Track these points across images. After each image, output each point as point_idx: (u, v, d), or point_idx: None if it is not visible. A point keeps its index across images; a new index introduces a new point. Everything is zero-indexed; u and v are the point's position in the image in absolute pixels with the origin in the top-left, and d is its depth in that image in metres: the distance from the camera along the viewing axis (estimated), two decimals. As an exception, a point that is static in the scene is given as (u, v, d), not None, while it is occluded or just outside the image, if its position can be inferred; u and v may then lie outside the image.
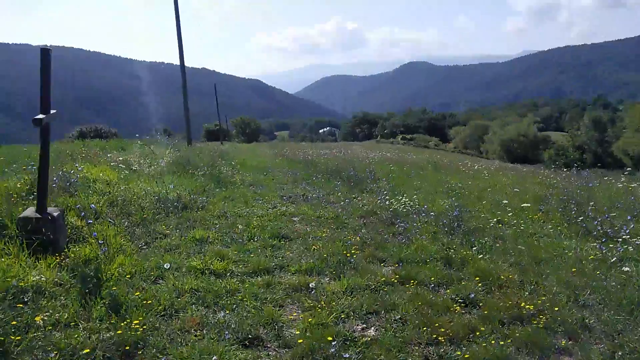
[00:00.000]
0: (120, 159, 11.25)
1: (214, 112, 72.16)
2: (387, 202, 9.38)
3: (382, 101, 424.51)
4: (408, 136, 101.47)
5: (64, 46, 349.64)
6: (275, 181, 13.78)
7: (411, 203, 9.00)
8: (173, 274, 5.47)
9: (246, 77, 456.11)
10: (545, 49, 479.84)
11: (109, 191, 8.54)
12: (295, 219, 8.63)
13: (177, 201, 8.66)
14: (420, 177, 14.45)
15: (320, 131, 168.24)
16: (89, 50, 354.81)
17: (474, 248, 6.33)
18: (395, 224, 7.94)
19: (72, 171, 8.47)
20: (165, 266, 5.46)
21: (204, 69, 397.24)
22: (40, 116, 5.72)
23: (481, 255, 6.05)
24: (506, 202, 9.22)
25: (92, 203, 7.34)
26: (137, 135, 20.77)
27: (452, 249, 6.44)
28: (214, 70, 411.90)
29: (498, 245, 6.53)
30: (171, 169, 11.83)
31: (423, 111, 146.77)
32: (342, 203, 9.99)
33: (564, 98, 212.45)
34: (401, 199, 9.37)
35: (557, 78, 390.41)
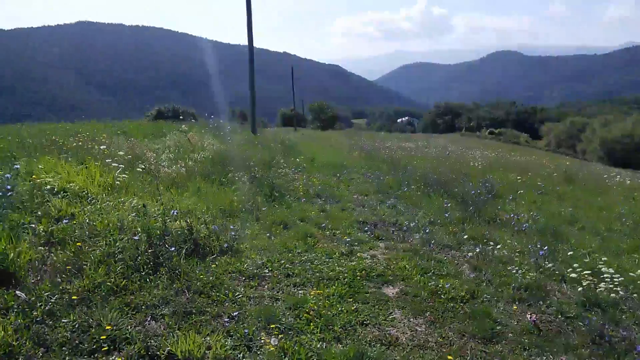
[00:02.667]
0: (121, 153, 7.67)
1: (294, 96, 68.85)
2: (559, 264, 5.10)
3: (465, 91, 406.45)
4: (496, 130, 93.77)
5: (154, 26, 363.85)
6: (351, 190, 9.79)
7: (607, 269, 4.66)
8: None
9: (326, 62, 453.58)
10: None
11: (73, 213, 4.92)
12: (389, 292, 4.57)
13: (184, 238, 4.90)
14: (561, 197, 9.90)
15: (399, 120, 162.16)
16: (178, 32, 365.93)
17: None
18: (604, 336, 3.69)
19: (6, 175, 4.88)
20: None
21: (285, 53, 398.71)
22: None
23: None
24: None
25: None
26: (212, 116, 17.52)
27: None
28: (294, 55, 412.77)
29: None
30: (205, 170, 8.14)
31: (511, 104, 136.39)
32: (468, 253, 5.78)
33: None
34: (587, 260, 5.05)
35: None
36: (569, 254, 5.48)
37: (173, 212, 5.28)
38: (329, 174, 11.69)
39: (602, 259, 5.04)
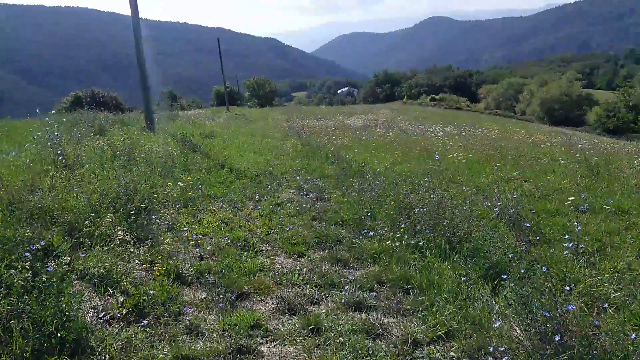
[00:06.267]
0: None
1: (231, 73, 62.30)
2: None
3: (401, 58, 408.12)
4: (437, 97, 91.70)
5: (78, 7, 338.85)
6: (273, 240, 5.40)
7: None
8: None
9: (262, 36, 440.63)
10: (572, 1, 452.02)
11: None
12: None
13: None
14: (624, 217, 5.99)
15: (339, 91, 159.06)
16: (102, 11, 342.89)
17: None
18: None
19: None
20: None
21: (219, 28, 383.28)
22: None
23: None
24: None
25: None
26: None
27: None
28: (229, 30, 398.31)
29: None
30: None
31: (448, 68, 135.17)
32: None
33: (592, 52, 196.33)
34: None
35: (584, 31, 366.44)
36: None
37: None
38: (242, 196, 7.26)
39: None
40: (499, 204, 5.95)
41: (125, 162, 7.18)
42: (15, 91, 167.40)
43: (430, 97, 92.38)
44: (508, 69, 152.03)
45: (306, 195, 7.65)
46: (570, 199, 6.26)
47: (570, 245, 4.61)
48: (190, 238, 5.03)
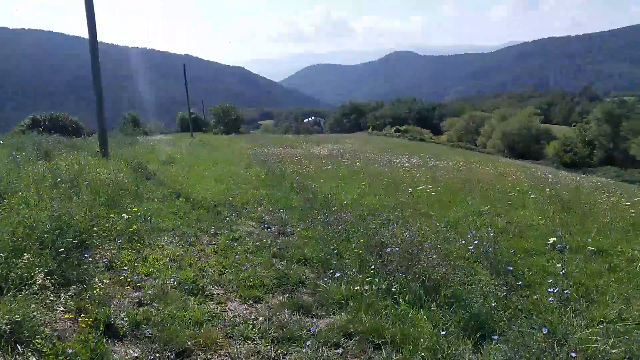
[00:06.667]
0: None
1: (197, 100, 61.12)
2: None
3: (368, 90, 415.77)
4: (402, 128, 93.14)
5: (43, 30, 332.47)
6: (227, 281, 4.72)
7: None
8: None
9: (230, 64, 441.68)
10: (530, 40, 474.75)
11: None
12: None
13: None
14: (606, 261, 5.64)
15: (305, 121, 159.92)
16: (69, 35, 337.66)
17: None
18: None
19: None
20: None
21: (187, 55, 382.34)
22: None
23: None
24: None
25: None
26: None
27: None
28: (197, 57, 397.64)
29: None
30: None
31: (412, 101, 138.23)
32: None
33: (549, 89, 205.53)
34: None
35: (542, 68, 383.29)
36: None
37: None
38: (197, 229, 6.62)
39: None
40: (475, 242, 5.54)
41: (65, 190, 6.45)
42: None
43: (394, 128, 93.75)
44: (470, 102, 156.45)
45: (268, 228, 7.07)
46: (552, 240, 5.89)
47: (554, 291, 4.19)
48: (129, 280, 4.37)
